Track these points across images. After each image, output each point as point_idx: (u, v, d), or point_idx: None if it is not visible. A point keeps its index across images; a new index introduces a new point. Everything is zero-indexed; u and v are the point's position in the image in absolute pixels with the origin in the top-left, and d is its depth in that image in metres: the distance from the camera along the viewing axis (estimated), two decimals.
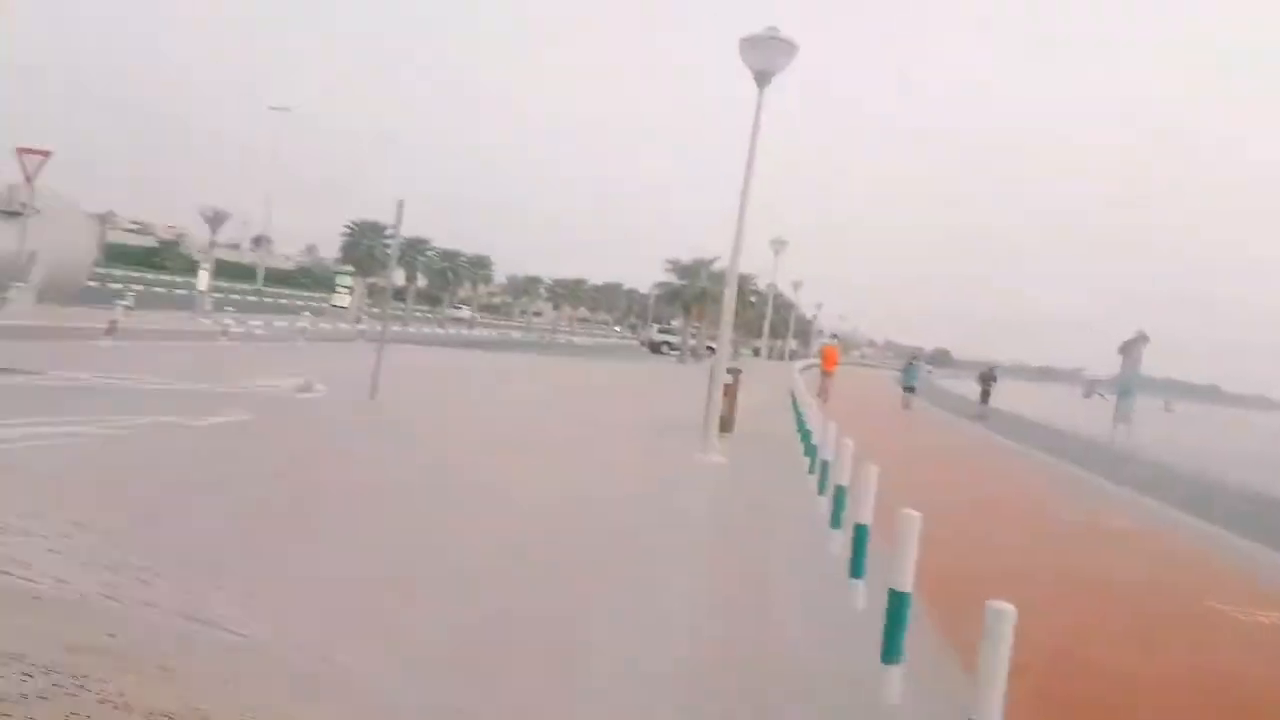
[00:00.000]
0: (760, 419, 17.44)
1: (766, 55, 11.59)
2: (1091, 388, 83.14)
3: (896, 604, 4.25)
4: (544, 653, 4.44)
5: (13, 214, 20.91)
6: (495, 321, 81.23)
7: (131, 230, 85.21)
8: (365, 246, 51.82)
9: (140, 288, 35.14)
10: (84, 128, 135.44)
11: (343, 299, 48.47)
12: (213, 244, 40.95)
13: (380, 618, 4.62)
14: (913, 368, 32.83)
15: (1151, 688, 5.35)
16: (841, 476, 7.25)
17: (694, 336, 51.28)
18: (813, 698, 4.41)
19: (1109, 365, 42.30)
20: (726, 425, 13.15)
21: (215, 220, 39.44)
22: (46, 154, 13.73)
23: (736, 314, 13.07)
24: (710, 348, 51.90)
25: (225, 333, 22.44)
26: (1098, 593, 7.73)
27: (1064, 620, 6.26)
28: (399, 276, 57.20)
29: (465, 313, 70.22)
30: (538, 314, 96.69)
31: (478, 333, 54.25)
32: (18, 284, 19.07)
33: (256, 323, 29.77)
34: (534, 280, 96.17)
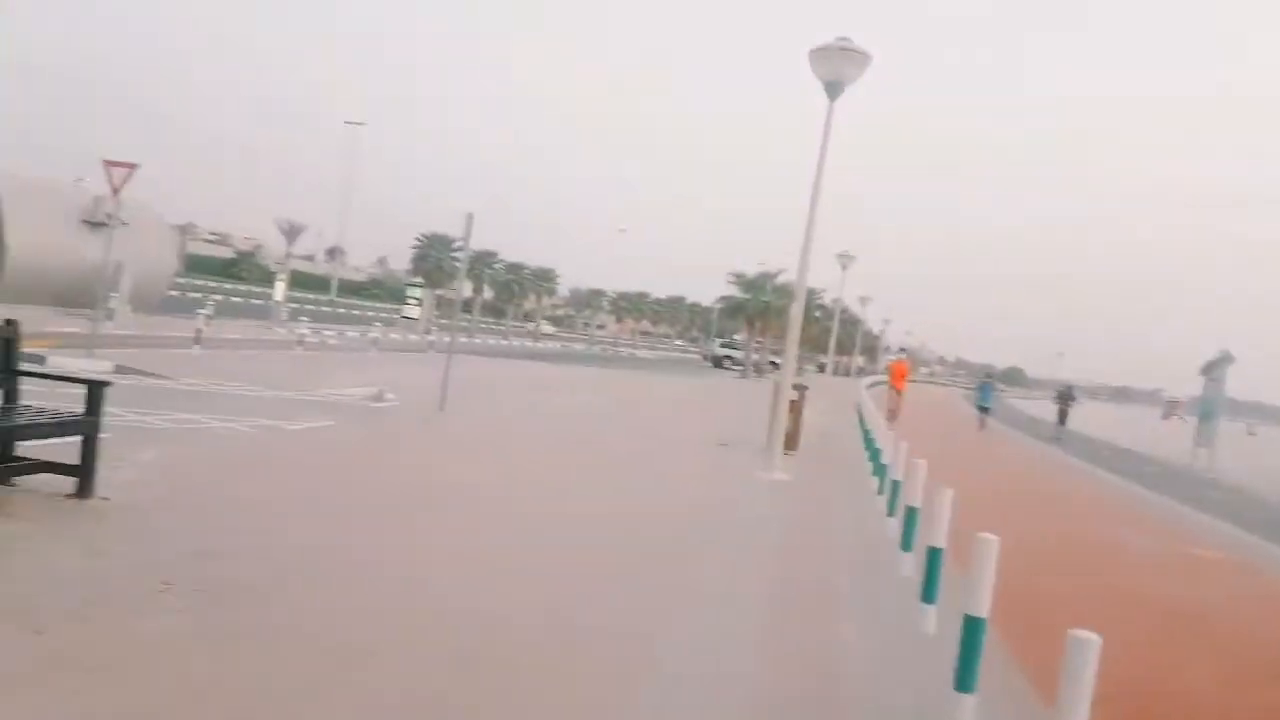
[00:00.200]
0: (826, 437, 17.21)
1: (837, 66, 11.43)
2: (1171, 409, 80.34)
3: (972, 631, 4.11)
4: (614, 675, 4.40)
5: (99, 225, 21.81)
6: (558, 334, 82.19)
7: (211, 241, 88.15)
8: (434, 259, 52.78)
9: (219, 297, 36.29)
10: (166, 143, 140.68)
11: (413, 310, 49.45)
12: (289, 255, 42.12)
13: (478, 615, 4.64)
14: (987, 387, 31.88)
15: None
16: (913, 498, 7.08)
17: (757, 351, 50.94)
18: None
19: (1191, 386, 40.77)
20: (791, 442, 12.98)
21: (291, 232, 40.58)
22: (132, 167, 14.20)
23: (802, 329, 12.88)
24: (774, 363, 51.53)
25: (301, 342, 23.03)
26: (1182, 622, 7.41)
27: (1147, 650, 6.01)
28: (466, 288, 58.12)
29: (547, 328, 73.45)
30: (600, 327, 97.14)
31: (540, 345, 54.75)
32: (112, 293, 19.82)
33: (330, 332, 30.48)
34: (597, 293, 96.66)
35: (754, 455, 12.95)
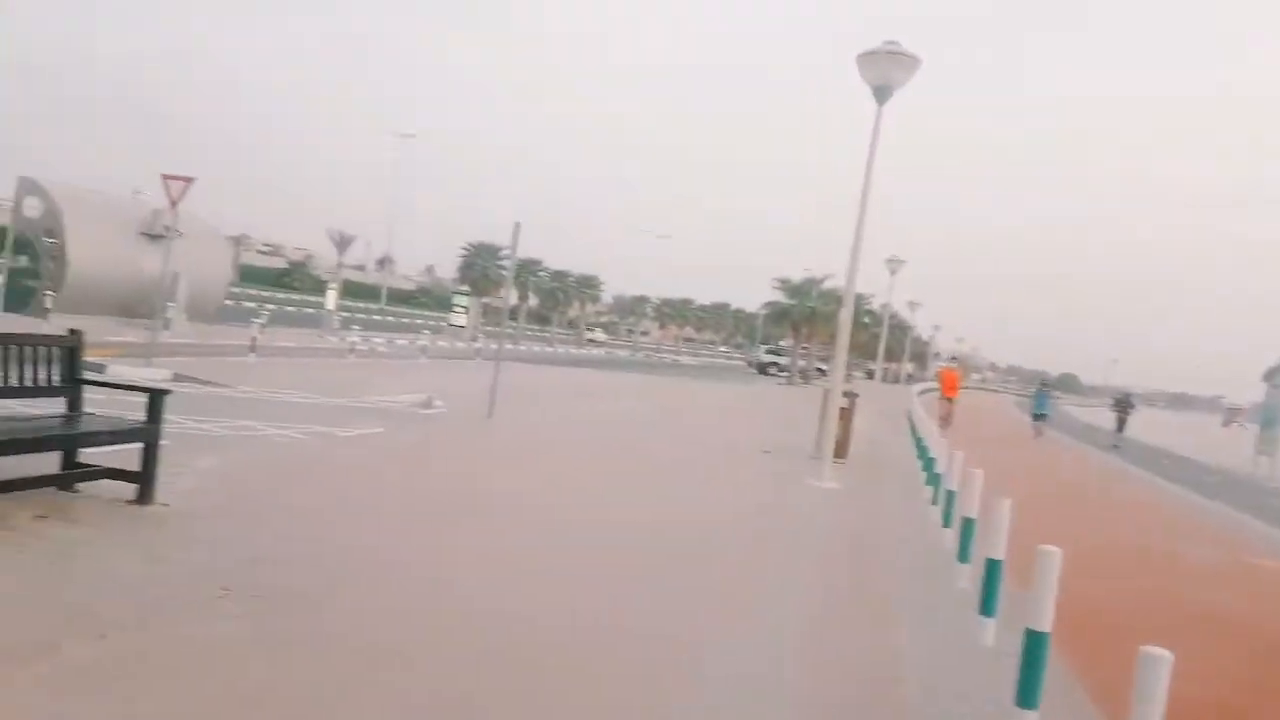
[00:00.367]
0: (876, 445, 16.99)
1: (885, 70, 11.31)
2: (1231, 416, 78.18)
3: (1034, 645, 4.01)
4: (667, 680, 4.35)
5: (156, 237, 22.37)
6: (602, 340, 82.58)
7: (264, 252, 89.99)
8: (480, 267, 53.24)
9: (272, 307, 37.03)
10: (219, 157, 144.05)
11: (460, 318, 49.94)
12: (340, 265, 42.81)
13: (529, 621, 4.64)
14: (1043, 394, 31.22)
15: None
16: (969, 508, 6.93)
17: (803, 357, 50.52)
18: None
19: (1253, 392, 39.57)
20: (841, 450, 12.82)
21: (342, 243, 41.23)
22: (189, 180, 14.56)
23: (850, 335, 12.72)
24: (820, 369, 51.08)
25: (352, 350, 23.39)
26: (1252, 637, 7.16)
27: (1214, 667, 5.81)
28: (512, 296, 58.57)
29: (599, 335, 74.86)
30: (644, 334, 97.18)
31: (584, 351, 54.94)
32: (170, 303, 20.31)
33: (380, 340, 30.93)
34: (641, 300, 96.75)
35: (802, 463, 12.83)
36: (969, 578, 6.62)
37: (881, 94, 11.35)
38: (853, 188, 11.72)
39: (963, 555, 6.90)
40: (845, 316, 12.31)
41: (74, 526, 5.42)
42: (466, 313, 49.90)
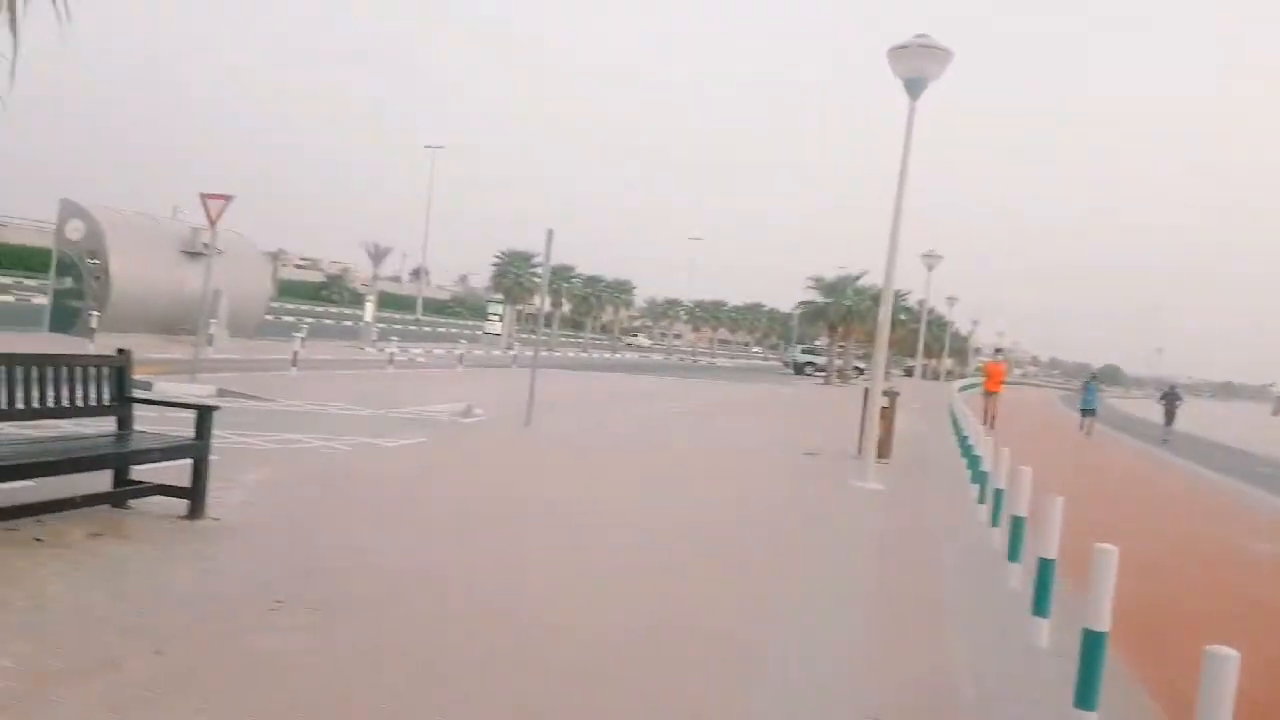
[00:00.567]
0: (919, 444, 16.80)
1: (917, 64, 11.18)
2: None
3: (1092, 645, 3.93)
4: (718, 683, 4.32)
5: (197, 255, 22.77)
6: (645, 345, 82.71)
7: (301, 266, 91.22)
8: (513, 275, 53.47)
9: (311, 320, 37.51)
10: (255, 174, 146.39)
11: (495, 326, 50.30)
12: (375, 277, 43.28)
13: (584, 631, 4.64)
14: (1091, 388, 30.64)
15: None
16: (1018, 507, 6.82)
17: (840, 356, 50.14)
18: None
19: None
20: (883, 450, 12.68)
21: (377, 255, 41.67)
22: (228, 198, 14.78)
23: (889, 332, 12.58)
24: (858, 368, 50.65)
25: (391, 360, 23.64)
26: None
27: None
28: (545, 303, 58.86)
29: (642, 339, 75.58)
30: (678, 336, 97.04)
31: (619, 356, 54.98)
32: (211, 319, 20.66)
33: (417, 350, 31.21)
34: (673, 303, 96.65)
35: (844, 463, 12.72)
36: (1019, 578, 6.51)
37: (913, 87, 11.23)
38: (889, 184, 11.60)
39: (1013, 554, 6.78)
40: (884, 315, 12.16)
41: (127, 543, 5.51)
42: (501, 320, 50.25)
